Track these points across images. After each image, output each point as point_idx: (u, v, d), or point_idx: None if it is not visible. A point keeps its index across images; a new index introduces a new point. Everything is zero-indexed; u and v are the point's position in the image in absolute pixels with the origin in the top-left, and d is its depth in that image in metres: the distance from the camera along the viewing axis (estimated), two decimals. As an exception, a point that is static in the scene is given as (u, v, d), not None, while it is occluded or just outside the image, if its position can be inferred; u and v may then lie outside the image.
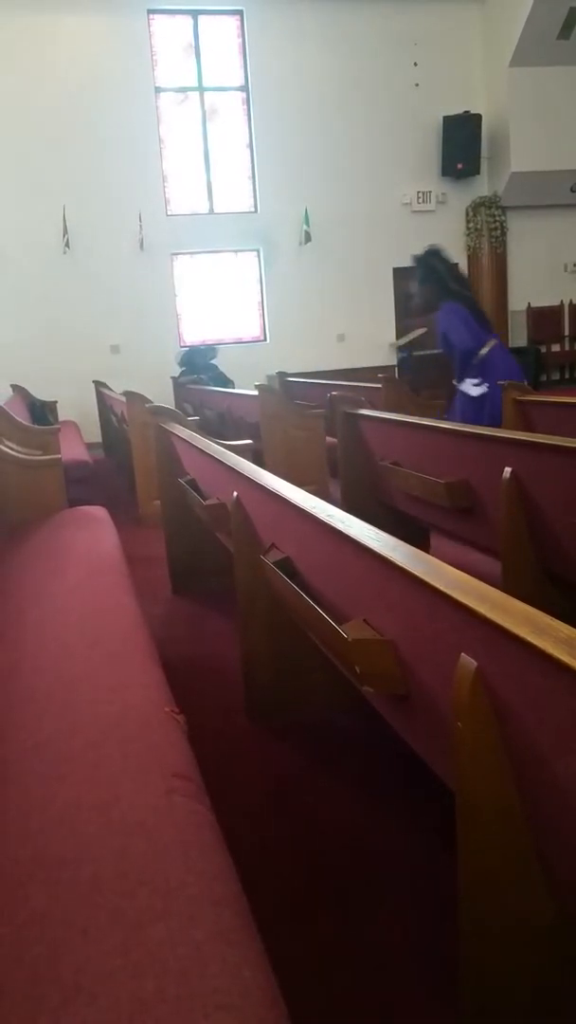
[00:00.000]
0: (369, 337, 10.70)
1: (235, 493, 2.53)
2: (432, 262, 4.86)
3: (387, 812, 2.02)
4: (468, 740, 1.12)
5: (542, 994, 1.18)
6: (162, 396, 7.97)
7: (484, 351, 4.80)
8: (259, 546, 2.41)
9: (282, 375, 8.79)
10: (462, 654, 1.15)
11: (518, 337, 10.95)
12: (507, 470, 2.67)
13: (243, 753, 2.41)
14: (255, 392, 6.02)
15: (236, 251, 10.31)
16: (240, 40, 10.01)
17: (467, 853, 1.15)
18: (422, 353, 10.72)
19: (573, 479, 2.41)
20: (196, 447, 3.23)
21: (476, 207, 10.57)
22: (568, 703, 0.90)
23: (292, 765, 2.31)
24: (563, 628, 0.95)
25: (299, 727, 2.51)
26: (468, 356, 4.78)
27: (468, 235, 10.71)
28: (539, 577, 2.74)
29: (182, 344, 10.14)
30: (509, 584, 2.76)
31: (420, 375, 10.71)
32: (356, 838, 1.93)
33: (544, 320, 10.77)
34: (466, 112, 10.19)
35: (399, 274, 10.73)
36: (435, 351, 10.90)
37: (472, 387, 4.89)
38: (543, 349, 10.67)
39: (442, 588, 1.20)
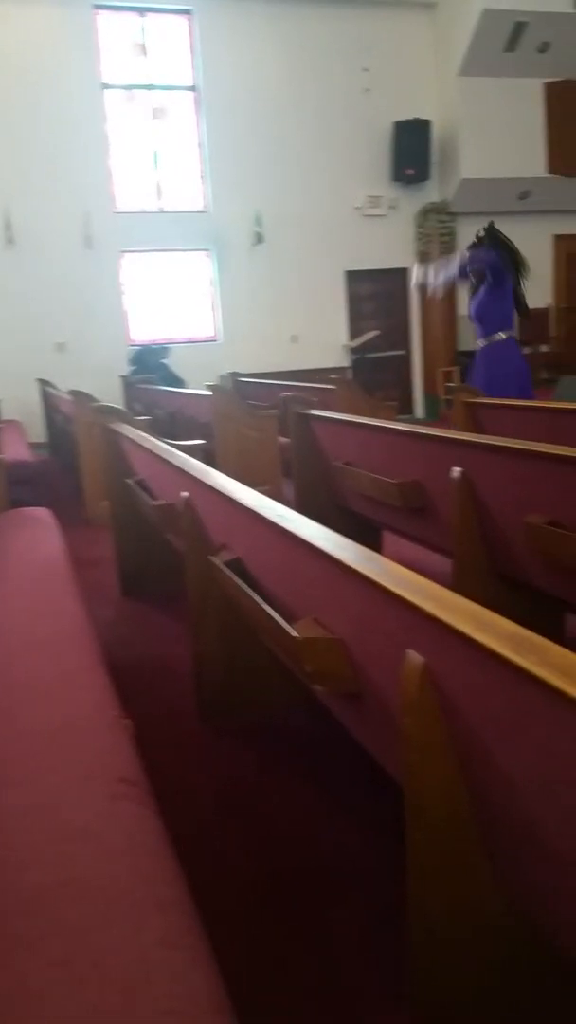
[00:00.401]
0: (322, 338, 10.74)
1: (185, 493, 2.51)
2: (499, 235, 5.07)
3: (340, 811, 2.02)
4: (415, 736, 1.12)
5: (491, 987, 1.18)
6: (110, 395, 7.87)
7: (503, 335, 4.98)
8: (209, 546, 2.39)
9: (235, 375, 8.76)
10: (409, 651, 1.15)
11: (467, 341, 11.09)
12: (457, 470, 2.70)
13: (194, 756, 2.39)
14: (207, 392, 5.99)
15: (188, 250, 10.25)
16: (190, 40, 9.97)
17: (415, 848, 1.15)
18: (375, 355, 10.80)
19: (521, 480, 2.45)
20: (144, 447, 3.19)
21: (426, 213, 10.69)
22: (511, 697, 0.91)
23: (244, 767, 2.30)
24: (505, 624, 0.95)
25: (251, 728, 2.49)
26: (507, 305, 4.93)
27: (419, 240, 10.83)
28: (489, 576, 2.77)
29: (130, 343, 10.03)
30: (460, 583, 2.79)
31: (373, 376, 10.80)
32: (308, 838, 1.93)
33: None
34: (416, 119, 10.30)
35: (351, 277, 10.80)
36: (389, 353, 11.07)
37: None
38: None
39: (389, 586, 1.20)
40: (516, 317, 5.28)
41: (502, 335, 4.97)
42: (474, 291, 5.28)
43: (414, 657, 1.14)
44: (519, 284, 5.12)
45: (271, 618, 1.75)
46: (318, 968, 1.53)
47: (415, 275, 5.27)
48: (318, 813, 2.03)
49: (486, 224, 5.17)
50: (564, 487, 2.24)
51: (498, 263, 4.93)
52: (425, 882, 1.16)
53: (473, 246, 5.20)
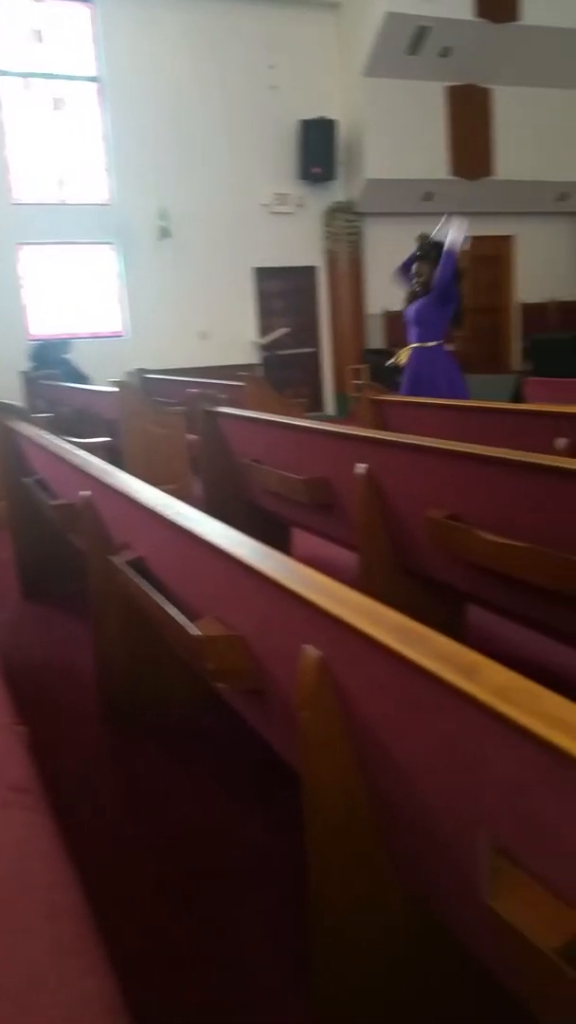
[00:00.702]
0: (232, 335, 10.70)
1: (85, 492, 2.46)
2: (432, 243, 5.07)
3: (247, 809, 2.02)
4: (312, 730, 1.13)
5: (394, 981, 1.21)
6: (8, 392, 7.65)
7: (432, 345, 5.04)
8: (111, 546, 2.35)
9: (142, 371, 8.64)
10: (307, 645, 1.16)
11: (375, 339, 11.29)
12: (361, 467, 2.73)
13: (98, 759, 2.35)
14: (113, 389, 5.89)
15: (91, 243, 10.04)
16: (92, 29, 9.75)
17: (314, 844, 1.16)
18: (285, 352, 10.84)
19: (423, 476, 2.50)
20: (43, 445, 3.11)
21: (333, 212, 10.80)
22: (401, 688, 0.93)
23: (149, 768, 2.27)
24: (394, 617, 0.97)
25: (157, 730, 2.47)
26: (448, 315, 4.98)
27: (326, 239, 10.93)
28: (394, 570, 2.82)
29: (30, 338, 9.75)
30: (366, 578, 2.83)
31: (283, 374, 10.84)
32: (213, 838, 1.92)
33: (399, 324, 11.11)
34: (322, 117, 10.38)
35: (260, 273, 10.80)
36: (298, 350, 11.13)
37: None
38: (399, 352, 11.03)
39: (286, 583, 1.21)
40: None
41: (433, 343, 5.07)
42: (413, 297, 5.34)
43: (311, 652, 1.15)
44: (461, 300, 5.24)
45: (172, 617, 1.74)
46: (222, 967, 1.53)
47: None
48: (225, 812, 2.03)
49: (428, 238, 5.22)
50: (464, 482, 2.30)
51: (455, 287, 5.01)
52: (325, 877, 1.17)
53: (419, 257, 5.23)
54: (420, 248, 5.13)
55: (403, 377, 5.32)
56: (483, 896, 0.79)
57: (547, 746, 0.68)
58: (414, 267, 5.07)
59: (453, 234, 4.93)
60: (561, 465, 1.92)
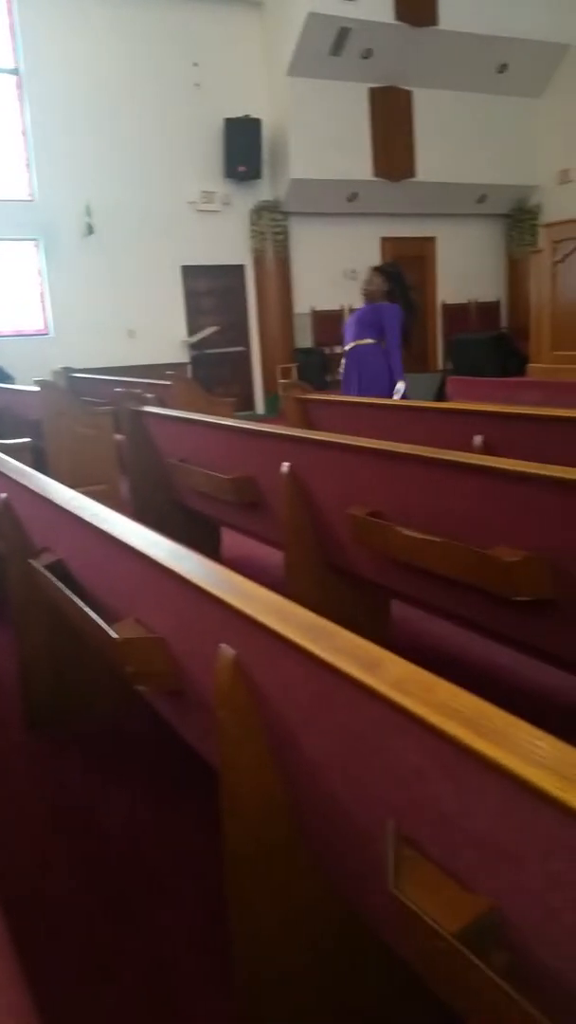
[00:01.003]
0: (160, 333, 10.61)
1: (2, 495, 2.41)
2: (401, 274, 5.06)
3: (173, 813, 2.02)
4: (229, 728, 1.14)
5: (313, 971, 1.22)
6: None
7: (370, 341, 5.02)
8: (31, 549, 2.31)
9: (68, 370, 8.49)
10: (222, 645, 1.17)
11: (303, 339, 11.35)
12: (286, 465, 2.75)
13: (20, 767, 2.31)
14: (35, 388, 5.77)
15: (13, 240, 9.81)
16: (9, 19, 9.52)
17: (232, 839, 1.17)
18: (215, 351, 10.80)
19: (345, 474, 2.53)
20: (-37, 447, 3.04)
21: (259, 211, 10.81)
22: (310, 684, 0.94)
23: (74, 775, 2.24)
24: (304, 614, 0.99)
25: (83, 736, 2.44)
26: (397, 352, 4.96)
27: (253, 238, 10.93)
28: (320, 568, 2.85)
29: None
30: (292, 576, 2.85)
31: (213, 372, 10.80)
32: (138, 843, 1.91)
33: (327, 323, 11.23)
34: (247, 116, 10.38)
35: (188, 272, 10.74)
36: (228, 349, 11.11)
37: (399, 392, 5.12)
38: (327, 351, 11.13)
39: (200, 583, 1.21)
40: None
41: (370, 341, 5.08)
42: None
43: (226, 651, 1.16)
44: (411, 328, 5.26)
45: (92, 621, 1.72)
46: (144, 971, 1.53)
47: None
48: (151, 815, 2.02)
49: (389, 265, 5.26)
50: (384, 480, 2.35)
51: (404, 323, 5.01)
52: (243, 871, 1.18)
53: (375, 268, 5.22)
54: (379, 267, 5.17)
55: (346, 378, 5.33)
56: (389, 884, 0.81)
57: (441, 735, 0.70)
58: (367, 274, 5.11)
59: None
60: (476, 462, 1.97)
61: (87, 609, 1.79)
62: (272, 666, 1.04)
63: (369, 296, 4.96)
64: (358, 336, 5.23)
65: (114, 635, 1.57)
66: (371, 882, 0.98)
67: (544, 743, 0.65)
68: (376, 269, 5.03)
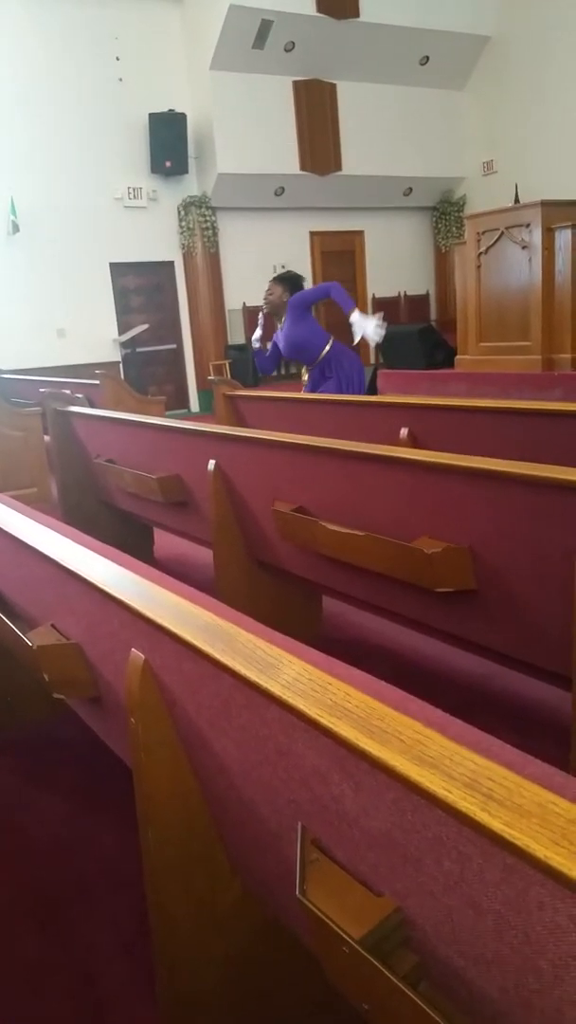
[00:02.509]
0: (91, 332, 10.42)
1: None
2: (297, 279, 4.87)
3: (103, 820, 1.98)
4: (142, 732, 1.11)
5: (234, 974, 1.21)
6: None
7: (327, 349, 4.81)
8: (-51, 557, 2.24)
9: (-5, 372, 8.30)
10: (132, 650, 1.14)
11: (236, 335, 11.29)
12: (211, 462, 2.73)
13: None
14: (-40, 391, 5.61)
15: None
16: None
17: (150, 846, 1.15)
18: (146, 349, 10.67)
19: (270, 469, 2.52)
20: None
21: (187, 206, 10.69)
22: (214, 687, 0.92)
23: (2, 786, 2.18)
24: (204, 616, 0.97)
25: (11, 743, 2.38)
26: (315, 352, 4.78)
27: (182, 233, 10.82)
28: (248, 564, 2.83)
29: None
30: (221, 574, 2.83)
31: (146, 371, 10.66)
32: (67, 851, 1.87)
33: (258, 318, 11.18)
34: (171, 111, 10.25)
35: (116, 269, 10.57)
36: (160, 347, 10.98)
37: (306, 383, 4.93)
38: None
39: (107, 588, 1.18)
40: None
41: (326, 348, 4.87)
42: (266, 326, 5.08)
43: (136, 656, 1.13)
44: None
45: (8, 628, 1.67)
46: (70, 979, 1.49)
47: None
48: (79, 824, 1.98)
49: (286, 274, 5.06)
50: (308, 475, 2.34)
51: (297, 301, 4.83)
52: (162, 879, 1.16)
53: (275, 278, 5.03)
54: (277, 277, 5.02)
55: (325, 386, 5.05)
56: (296, 889, 0.80)
57: (333, 736, 0.69)
58: (268, 286, 4.97)
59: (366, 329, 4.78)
60: (396, 455, 1.98)
61: (2, 616, 1.74)
62: (178, 670, 1.02)
63: (272, 307, 4.87)
64: (311, 360, 4.92)
65: (29, 643, 1.52)
66: (285, 886, 0.97)
67: (433, 742, 0.64)
68: (275, 280, 4.97)
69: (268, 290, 4.88)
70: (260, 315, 5.05)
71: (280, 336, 4.85)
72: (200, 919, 1.16)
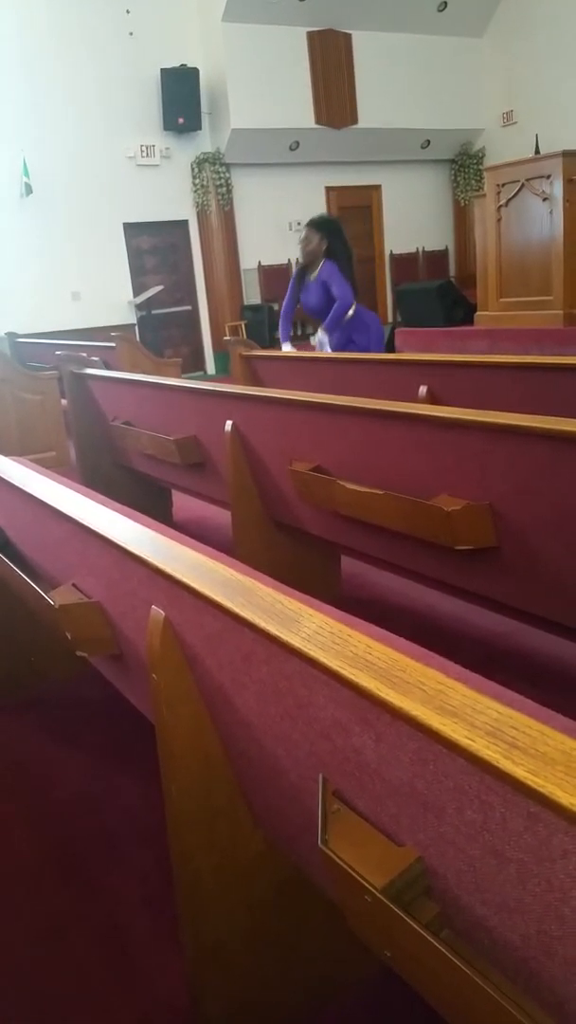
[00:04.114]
0: (106, 295, 10.34)
1: None
2: (339, 227, 4.68)
3: (126, 775, 2.01)
4: (164, 688, 1.12)
5: (258, 924, 1.23)
6: None
7: (352, 312, 4.68)
8: (-30, 520, 2.25)
9: (12, 336, 8.28)
10: (152, 607, 1.15)
11: (252, 295, 11.17)
12: (228, 423, 2.71)
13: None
14: (-23, 355, 5.61)
15: (-52, 203, 9.45)
16: None
17: (174, 798, 1.16)
18: (162, 311, 10.59)
19: (287, 429, 2.50)
20: None
21: (201, 163, 10.51)
22: (234, 641, 0.92)
23: (28, 743, 2.23)
24: (223, 571, 0.97)
25: (37, 702, 2.42)
26: (344, 309, 4.64)
27: (195, 192, 10.66)
28: (266, 525, 2.83)
29: None
30: (239, 535, 2.83)
31: (161, 333, 10.60)
32: (91, 805, 1.91)
33: (274, 278, 11.04)
34: (183, 66, 10.03)
35: (130, 229, 10.45)
36: (175, 308, 10.89)
37: (325, 343, 4.78)
38: (275, 306, 10.98)
39: (128, 546, 1.18)
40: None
41: (351, 311, 4.75)
42: (301, 274, 4.81)
43: (156, 613, 1.13)
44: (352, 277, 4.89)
45: (30, 588, 1.69)
46: (99, 928, 1.53)
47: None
48: (106, 779, 2.01)
49: (325, 221, 4.80)
50: (325, 434, 2.32)
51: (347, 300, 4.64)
52: (186, 831, 1.17)
53: (310, 224, 4.81)
54: (315, 222, 4.81)
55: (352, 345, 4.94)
56: (318, 840, 0.81)
57: (355, 688, 0.69)
58: (303, 233, 4.75)
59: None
60: (414, 412, 1.95)
61: (25, 577, 1.75)
62: (198, 626, 1.02)
63: (310, 257, 4.67)
64: (335, 317, 4.77)
65: (52, 602, 1.54)
66: (307, 837, 0.98)
67: (455, 691, 0.64)
68: (312, 225, 4.73)
69: (304, 237, 4.65)
70: (291, 280, 4.88)
71: (311, 289, 4.68)
72: (223, 871, 1.18)
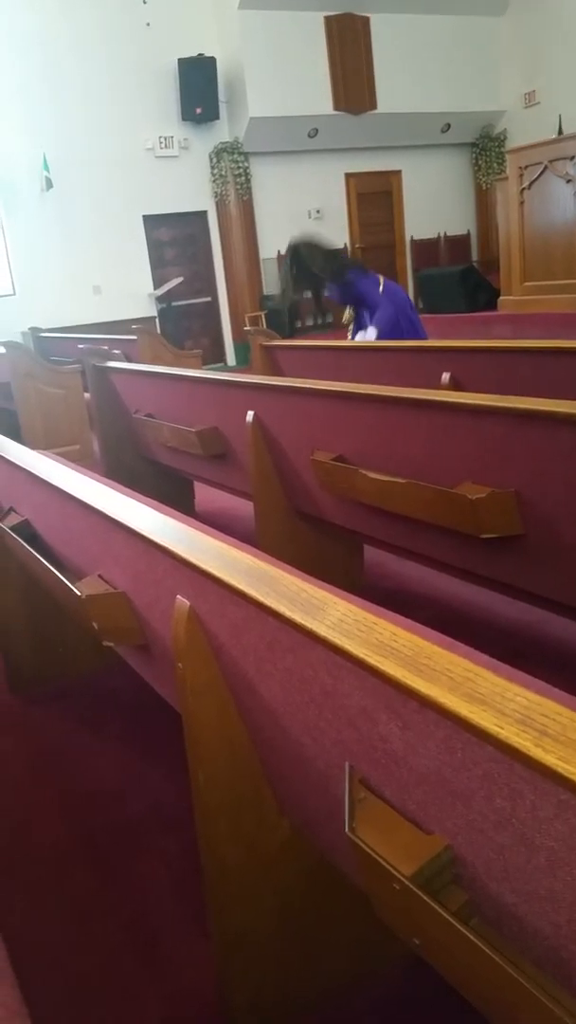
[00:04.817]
0: (126, 288, 10.36)
1: (-36, 459, 2.36)
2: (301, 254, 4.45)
3: (151, 764, 2.03)
4: (189, 678, 1.12)
5: (286, 911, 1.24)
6: None
7: (380, 288, 4.52)
8: (-2, 512, 2.28)
9: (35, 331, 8.32)
10: (177, 596, 1.15)
11: (271, 285, 11.13)
12: (250, 414, 2.71)
13: (4, 727, 2.31)
14: (2, 350, 5.65)
15: (-31, 198, 9.50)
16: (-53, -37, 9.06)
17: (200, 786, 1.17)
18: (182, 303, 10.60)
19: (309, 419, 2.49)
20: None
21: (219, 153, 10.48)
22: (259, 630, 0.92)
23: (55, 732, 2.25)
24: (247, 560, 0.97)
25: (64, 693, 2.44)
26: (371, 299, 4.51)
27: (214, 182, 10.63)
28: (289, 515, 2.83)
29: None
30: (261, 524, 2.83)
31: (182, 325, 10.61)
32: (119, 794, 1.93)
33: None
34: (200, 55, 9.99)
35: (149, 221, 10.46)
36: (195, 300, 10.90)
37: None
38: (296, 298, 10.93)
39: (152, 536, 1.19)
40: None
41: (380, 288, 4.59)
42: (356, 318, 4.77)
43: (181, 603, 1.13)
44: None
45: (56, 579, 1.70)
46: (125, 914, 1.55)
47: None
48: (132, 768, 2.03)
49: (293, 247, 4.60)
50: (346, 423, 2.31)
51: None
52: (212, 820, 1.18)
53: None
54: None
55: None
56: (344, 827, 0.81)
57: (381, 675, 0.69)
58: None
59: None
60: (436, 399, 1.94)
61: (52, 568, 1.77)
62: (223, 615, 1.02)
63: (336, 301, 4.48)
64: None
65: (78, 593, 1.55)
66: (333, 825, 0.98)
67: (483, 679, 0.63)
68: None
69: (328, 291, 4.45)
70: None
71: (332, 290, 4.58)
72: (250, 858, 1.19)
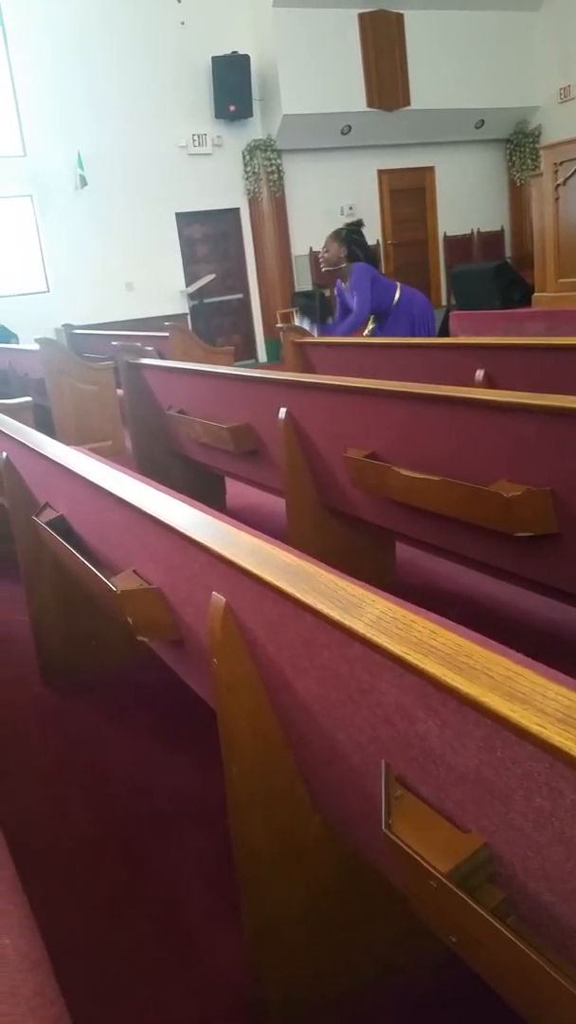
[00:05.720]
0: (159, 284, 10.43)
1: (3, 454, 2.40)
2: (356, 234, 4.76)
3: (181, 757, 2.04)
4: (224, 673, 1.13)
5: (317, 905, 1.24)
6: None
7: (397, 298, 4.72)
8: (34, 506, 2.31)
9: (68, 327, 8.41)
10: (213, 592, 1.16)
11: (303, 282, 11.12)
12: (282, 411, 2.71)
13: (37, 719, 2.34)
14: (36, 347, 5.72)
15: (7, 197, 9.61)
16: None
17: (234, 781, 1.18)
18: (214, 300, 10.63)
19: (342, 416, 2.49)
20: (-41, 409, 3.01)
21: (252, 150, 10.50)
22: (295, 627, 0.93)
23: (86, 725, 2.28)
24: (283, 556, 0.97)
25: (95, 686, 2.47)
26: (353, 327, 4.74)
27: (247, 179, 10.65)
28: (321, 512, 2.83)
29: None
30: (294, 522, 2.84)
31: (214, 322, 10.64)
32: (150, 789, 1.94)
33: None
34: (234, 52, 10.01)
35: (182, 219, 10.51)
36: (227, 297, 10.92)
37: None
38: (327, 292, 10.90)
39: (188, 532, 1.20)
40: None
41: (396, 297, 4.73)
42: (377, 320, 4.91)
43: (217, 599, 1.14)
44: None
45: (92, 574, 1.72)
46: (156, 908, 1.56)
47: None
48: (163, 761, 2.05)
49: (344, 229, 4.84)
50: (380, 420, 2.30)
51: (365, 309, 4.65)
52: (246, 814, 1.19)
53: (327, 247, 4.84)
54: (336, 232, 4.83)
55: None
56: (381, 824, 0.81)
57: (420, 673, 0.69)
58: (324, 242, 4.85)
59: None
60: (470, 396, 1.93)
61: (87, 563, 1.79)
62: (259, 611, 1.03)
63: (327, 263, 4.77)
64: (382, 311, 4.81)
65: (114, 588, 1.56)
66: (368, 822, 0.98)
67: (524, 678, 0.63)
68: (333, 235, 4.80)
69: (324, 247, 4.74)
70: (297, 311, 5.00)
71: (349, 297, 4.73)
72: (283, 853, 1.19)
